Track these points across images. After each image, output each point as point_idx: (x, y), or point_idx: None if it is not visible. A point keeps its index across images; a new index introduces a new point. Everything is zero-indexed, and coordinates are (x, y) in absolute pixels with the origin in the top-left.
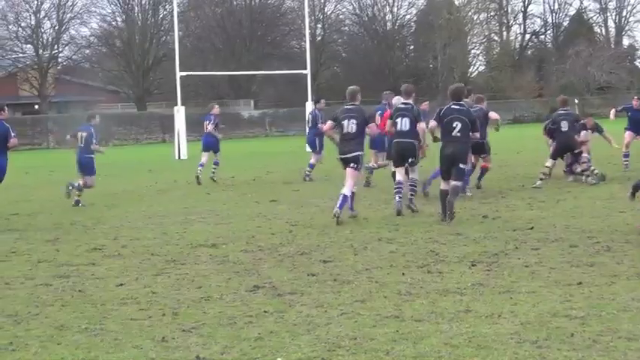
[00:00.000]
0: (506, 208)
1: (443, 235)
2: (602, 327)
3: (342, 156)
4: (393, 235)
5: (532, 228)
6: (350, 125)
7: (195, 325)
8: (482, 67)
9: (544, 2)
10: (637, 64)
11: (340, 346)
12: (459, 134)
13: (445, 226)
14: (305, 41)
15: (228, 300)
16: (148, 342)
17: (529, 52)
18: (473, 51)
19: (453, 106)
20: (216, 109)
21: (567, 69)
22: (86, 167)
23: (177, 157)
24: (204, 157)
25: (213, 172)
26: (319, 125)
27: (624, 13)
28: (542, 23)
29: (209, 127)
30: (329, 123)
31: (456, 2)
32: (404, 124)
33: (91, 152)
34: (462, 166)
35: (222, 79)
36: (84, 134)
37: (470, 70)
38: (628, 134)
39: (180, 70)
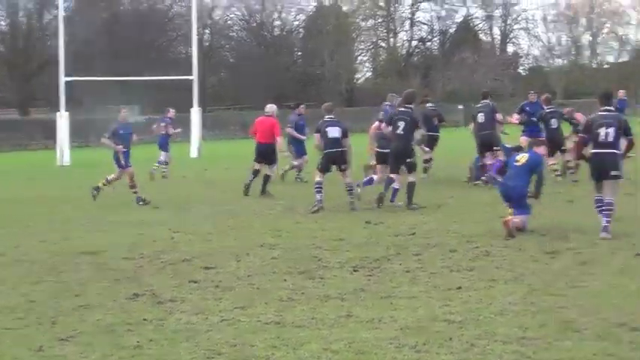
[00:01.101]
0: (389, 213)
1: (326, 240)
2: (480, 331)
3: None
4: (275, 241)
5: (414, 233)
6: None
7: (74, 333)
8: (369, 74)
9: (431, 9)
10: (521, 71)
11: (220, 353)
12: (402, 132)
13: (328, 232)
14: (192, 46)
15: (107, 308)
16: (25, 351)
17: (415, 59)
18: (360, 57)
19: (401, 109)
20: (171, 113)
21: (453, 76)
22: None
23: (60, 164)
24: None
25: (160, 170)
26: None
27: (509, 21)
28: (429, 30)
29: (162, 128)
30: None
31: (344, 9)
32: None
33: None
34: (408, 160)
35: (109, 84)
36: None
37: (357, 76)
38: (523, 139)
39: (66, 75)
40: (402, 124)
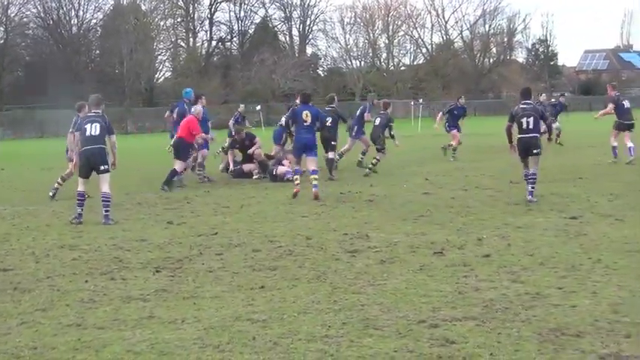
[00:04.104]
0: (192, 214)
1: (127, 241)
2: (284, 329)
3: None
4: (76, 242)
5: (216, 233)
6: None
7: None
8: (168, 73)
9: (230, 10)
10: (320, 72)
11: (19, 357)
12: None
13: (129, 233)
14: None
15: None
16: None
17: (215, 59)
18: (159, 57)
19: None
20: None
21: (252, 76)
22: None
23: None
24: None
25: None
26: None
27: (308, 22)
28: (229, 30)
29: None
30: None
31: (143, 8)
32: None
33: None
34: (333, 143)
35: None
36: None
37: (157, 75)
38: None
39: None
40: (330, 119)
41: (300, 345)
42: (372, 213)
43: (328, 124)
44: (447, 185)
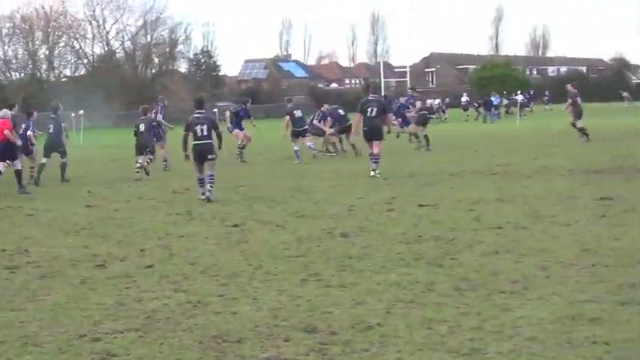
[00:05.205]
0: None
1: None
2: None
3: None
4: None
5: None
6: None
7: None
8: None
9: None
10: None
11: None
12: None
13: None
14: None
15: None
16: None
17: None
18: None
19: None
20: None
21: None
22: None
23: None
24: None
25: None
26: None
27: None
28: None
29: None
30: None
31: None
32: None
33: None
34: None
35: None
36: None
37: None
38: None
39: None
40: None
41: None
42: (33, 227)
43: (50, 131)
44: (110, 197)
